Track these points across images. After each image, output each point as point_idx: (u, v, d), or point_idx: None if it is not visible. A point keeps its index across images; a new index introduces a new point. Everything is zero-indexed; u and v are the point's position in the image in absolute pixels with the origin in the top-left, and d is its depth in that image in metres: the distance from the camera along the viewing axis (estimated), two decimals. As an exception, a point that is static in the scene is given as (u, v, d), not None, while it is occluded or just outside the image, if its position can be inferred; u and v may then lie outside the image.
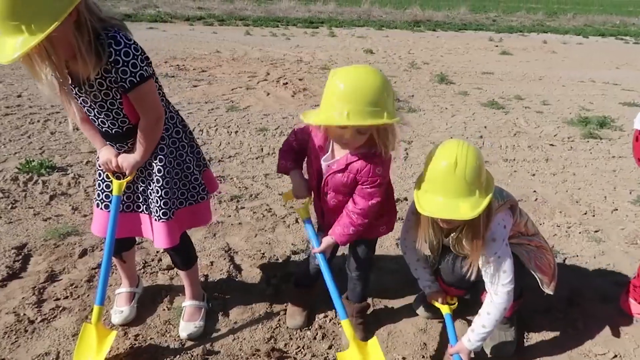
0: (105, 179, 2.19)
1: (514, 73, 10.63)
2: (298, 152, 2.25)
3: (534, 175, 4.78)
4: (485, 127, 6.31)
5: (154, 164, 2.13)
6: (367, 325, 2.48)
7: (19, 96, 6.56)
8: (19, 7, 1.58)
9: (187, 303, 2.50)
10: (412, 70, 10.26)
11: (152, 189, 2.16)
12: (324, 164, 2.14)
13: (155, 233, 2.20)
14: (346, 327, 2.12)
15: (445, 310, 2.36)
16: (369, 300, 2.63)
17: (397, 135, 2.01)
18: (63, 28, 1.63)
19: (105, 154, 2.12)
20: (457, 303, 2.42)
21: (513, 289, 2.10)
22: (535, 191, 4.35)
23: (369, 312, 2.58)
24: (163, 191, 2.14)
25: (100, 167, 2.18)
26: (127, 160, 2.08)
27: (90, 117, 2.05)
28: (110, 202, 2.19)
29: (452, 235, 2.16)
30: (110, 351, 2.24)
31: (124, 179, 2.14)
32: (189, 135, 2.27)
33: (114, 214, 2.13)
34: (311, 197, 2.28)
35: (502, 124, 6.47)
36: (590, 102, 8.02)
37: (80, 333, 2.17)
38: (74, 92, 1.94)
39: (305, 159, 2.28)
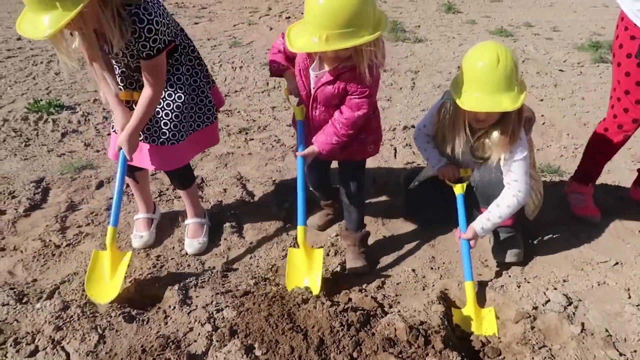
0: None
1: (523, 0, 10.25)
2: (289, 55, 2.21)
3: (542, 100, 4.74)
4: (493, 55, 6.19)
5: (170, 94, 2.21)
6: (368, 255, 2.46)
7: (19, 39, 6.46)
8: None
9: (189, 221, 2.61)
10: (418, 0, 9.92)
11: (161, 115, 2.22)
12: (312, 74, 2.11)
13: (160, 157, 2.29)
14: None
15: (458, 190, 2.39)
16: (367, 225, 2.72)
17: (383, 48, 2.01)
18: (92, 3, 1.76)
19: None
20: (470, 174, 2.41)
21: (524, 198, 2.22)
22: (543, 115, 4.34)
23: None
24: (174, 114, 2.21)
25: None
26: (119, 142, 2.18)
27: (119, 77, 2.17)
28: None
29: (478, 135, 2.25)
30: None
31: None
32: (199, 56, 2.32)
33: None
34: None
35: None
36: (602, 27, 7.77)
37: (90, 261, 2.18)
38: (109, 55, 2.05)
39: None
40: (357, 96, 2.06)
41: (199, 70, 2.31)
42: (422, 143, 2.50)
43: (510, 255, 2.42)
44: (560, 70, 5.63)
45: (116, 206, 2.23)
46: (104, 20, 1.84)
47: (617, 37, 2.49)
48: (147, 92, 2.09)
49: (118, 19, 1.86)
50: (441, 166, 2.43)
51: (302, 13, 2.01)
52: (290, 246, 2.56)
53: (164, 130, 2.23)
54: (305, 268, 2.22)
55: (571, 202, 2.84)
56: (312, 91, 2.15)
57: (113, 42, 1.89)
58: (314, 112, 2.20)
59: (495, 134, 2.20)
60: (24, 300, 2.11)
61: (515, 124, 2.13)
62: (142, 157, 2.33)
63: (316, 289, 2.14)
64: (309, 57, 2.11)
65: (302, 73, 2.15)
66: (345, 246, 2.53)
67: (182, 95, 2.22)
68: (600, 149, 2.72)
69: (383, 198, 2.98)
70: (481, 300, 2.24)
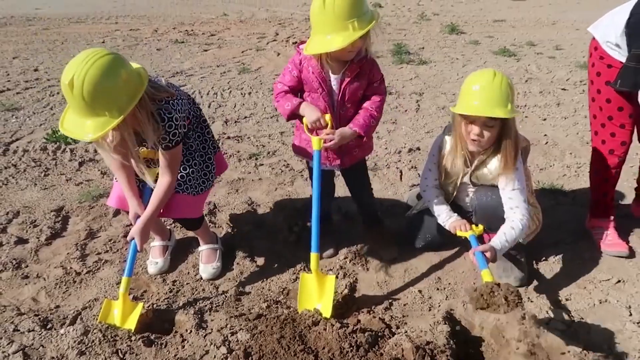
0: None
1: (526, 19, 10.43)
2: (294, 88, 2.43)
3: (545, 120, 4.84)
4: (496, 75, 6.32)
5: (183, 167, 2.41)
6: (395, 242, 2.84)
7: (36, 70, 6.72)
8: (103, 98, 1.87)
9: (202, 247, 2.73)
10: (422, 22, 10.13)
11: None
12: (334, 79, 2.33)
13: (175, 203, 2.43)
14: (313, 259, 2.29)
15: (471, 233, 2.43)
16: (374, 246, 2.83)
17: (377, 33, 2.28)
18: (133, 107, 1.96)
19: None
20: (482, 227, 2.51)
21: (528, 220, 2.34)
22: (545, 135, 4.42)
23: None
24: (181, 167, 2.39)
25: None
26: (133, 233, 2.31)
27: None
28: None
29: (479, 158, 2.38)
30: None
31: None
32: (205, 120, 2.51)
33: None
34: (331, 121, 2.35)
35: (513, 71, 6.46)
36: (605, 44, 7.88)
37: (102, 310, 2.25)
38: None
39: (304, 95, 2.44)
40: (378, 83, 2.39)
41: (207, 137, 2.51)
42: (431, 197, 2.60)
43: (515, 280, 2.49)
44: (562, 89, 5.73)
45: (131, 260, 2.30)
46: (140, 120, 2.06)
47: (592, 65, 2.58)
48: (163, 179, 2.28)
49: (151, 118, 2.08)
50: (452, 222, 2.53)
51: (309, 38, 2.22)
52: (301, 270, 2.65)
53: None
54: (317, 294, 2.31)
55: (595, 238, 2.80)
56: (338, 92, 2.34)
57: (148, 138, 2.11)
58: (341, 112, 2.39)
59: (494, 162, 2.33)
60: (48, 327, 2.22)
61: (510, 151, 2.27)
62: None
63: (328, 314, 2.22)
64: (322, 68, 2.31)
65: (322, 85, 2.33)
66: (371, 236, 2.88)
67: (189, 172, 2.42)
68: (601, 177, 2.75)
69: (389, 220, 3.07)
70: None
